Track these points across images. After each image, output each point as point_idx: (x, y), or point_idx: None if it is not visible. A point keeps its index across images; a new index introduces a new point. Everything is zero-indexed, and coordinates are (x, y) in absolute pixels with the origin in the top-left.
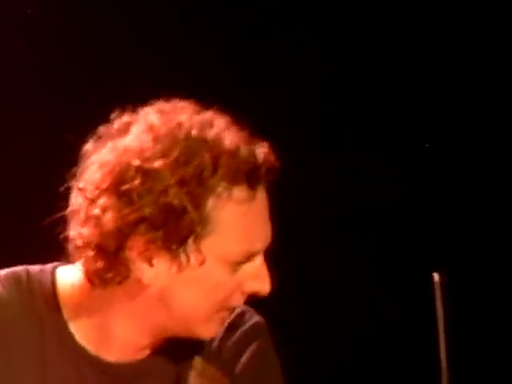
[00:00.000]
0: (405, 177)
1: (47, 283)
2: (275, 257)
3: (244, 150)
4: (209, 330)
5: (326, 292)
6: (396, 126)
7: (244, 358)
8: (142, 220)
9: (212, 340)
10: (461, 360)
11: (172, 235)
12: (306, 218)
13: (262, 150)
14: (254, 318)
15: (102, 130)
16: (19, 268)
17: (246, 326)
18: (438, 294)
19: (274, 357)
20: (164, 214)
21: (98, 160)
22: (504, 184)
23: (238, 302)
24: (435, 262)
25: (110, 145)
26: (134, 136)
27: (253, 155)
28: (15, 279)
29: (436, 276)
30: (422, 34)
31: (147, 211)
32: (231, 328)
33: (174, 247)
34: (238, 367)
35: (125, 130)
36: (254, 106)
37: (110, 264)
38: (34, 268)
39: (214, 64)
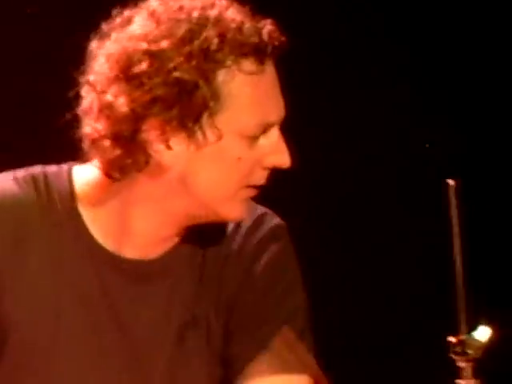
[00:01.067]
0: (421, 82)
1: (64, 182)
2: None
3: (248, 25)
4: (235, 209)
5: (342, 196)
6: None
7: (264, 258)
8: (155, 100)
9: (233, 237)
10: (475, 266)
11: (186, 112)
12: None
13: (266, 26)
14: (275, 220)
15: (104, 26)
16: (36, 168)
17: (267, 227)
18: (452, 200)
19: (294, 258)
20: (175, 91)
21: (104, 52)
22: None
23: (260, 178)
24: (450, 169)
25: (114, 36)
26: (136, 24)
27: (258, 29)
28: (32, 179)
29: (451, 182)
30: (422, 34)
31: (159, 91)
32: (252, 229)
33: (189, 125)
34: (258, 267)
35: (127, 21)
36: None
37: (128, 150)
38: (51, 167)
39: None
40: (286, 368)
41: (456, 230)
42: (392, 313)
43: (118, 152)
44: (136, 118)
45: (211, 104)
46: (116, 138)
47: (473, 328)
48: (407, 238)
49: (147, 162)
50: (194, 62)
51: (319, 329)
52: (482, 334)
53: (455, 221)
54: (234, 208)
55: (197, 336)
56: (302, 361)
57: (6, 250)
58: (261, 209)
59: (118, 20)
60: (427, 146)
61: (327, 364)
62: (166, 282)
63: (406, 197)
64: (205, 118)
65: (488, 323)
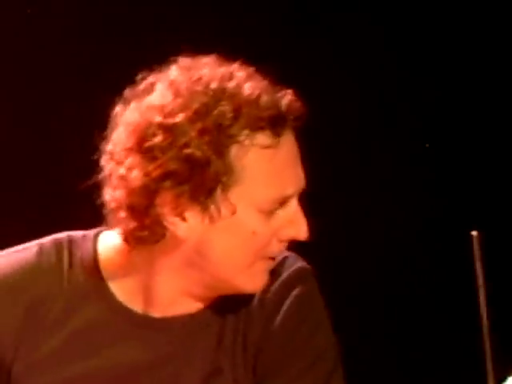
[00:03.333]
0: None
1: (89, 249)
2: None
3: (265, 97)
4: (252, 282)
5: (366, 249)
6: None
7: (287, 302)
8: (167, 175)
9: (255, 293)
10: (501, 320)
11: (199, 187)
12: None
13: (285, 97)
14: (297, 264)
15: (128, 92)
16: (62, 235)
17: (289, 271)
18: (476, 253)
19: (319, 300)
20: (188, 166)
21: (124, 121)
22: None
23: (277, 250)
24: (474, 221)
25: (134, 105)
26: (156, 94)
27: (274, 101)
28: (56, 246)
29: (475, 234)
30: (423, 34)
31: (171, 166)
32: (273, 276)
33: (202, 199)
34: (281, 312)
35: (149, 89)
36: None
37: (142, 222)
38: (77, 234)
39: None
40: None
41: (481, 281)
42: (421, 366)
43: (133, 224)
44: (149, 192)
45: (224, 179)
46: (131, 210)
47: (501, 380)
48: (433, 291)
49: (163, 234)
50: (206, 138)
51: None
52: None
53: (480, 272)
54: (251, 280)
55: (223, 382)
56: None
57: (20, 321)
58: (284, 252)
59: (141, 86)
60: (427, 145)
61: None
62: (192, 338)
63: (431, 249)
64: (218, 193)
65: None
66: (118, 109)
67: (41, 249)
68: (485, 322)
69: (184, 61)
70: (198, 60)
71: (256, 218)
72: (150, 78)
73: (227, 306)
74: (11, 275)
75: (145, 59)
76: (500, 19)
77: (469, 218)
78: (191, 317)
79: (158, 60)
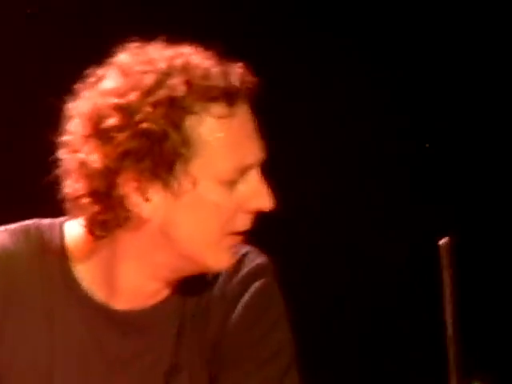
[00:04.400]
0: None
1: (56, 236)
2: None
3: (216, 70)
4: (220, 259)
5: (334, 255)
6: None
7: (245, 298)
8: (126, 153)
9: (215, 282)
10: (467, 327)
11: (158, 162)
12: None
13: (235, 69)
14: (259, 259)
15: (78, 87)
16: (29, 221)
17: (250, 266)
18: (444, 260)
19: (278, 295)
20: (145, 142)
21: (78, 111)
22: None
23: (243, 223)
24: (442, 228)
25: (86, 94)
26: (107, 80)
27: (225, 73)
28: (24, 232)
29: (442, 243)
30: (423, 35)
31: (129, 144)
32: (235, 268)
33: (163, 174)
34: (239, 307)
35: (99, 79)
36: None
37: (106, 205)
38: (44, 221)
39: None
40: None
41: (448, 291)
42: (386, 371)
43: (96, 208)
44: (110, 173)
45: (183, 151)
46: (94, 195)
47: None
48: (400, 300)
49: (127, 217)
50: (160, 111)
51: None
52: None
53: (447, 282)
54: (220, 257)
55: (181, 380)
56: None
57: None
58: (244, 248)
59: (91, 78)
60: (427, 145)
61: None
62: (152, 332)
63: (399, 256)
64: (178, 166)
65: None
66: (70, 104)
67: (9, 234)
68: (450, 333)
69: (132, 46)
70: (146, 44)
71: (218, 191)
72: (99, 71)
73: (187, 298)
74: None
75: (91, 57)
76: (500, 19)
77: (438, 225)
78: (153, 309)
79: (103, 56)
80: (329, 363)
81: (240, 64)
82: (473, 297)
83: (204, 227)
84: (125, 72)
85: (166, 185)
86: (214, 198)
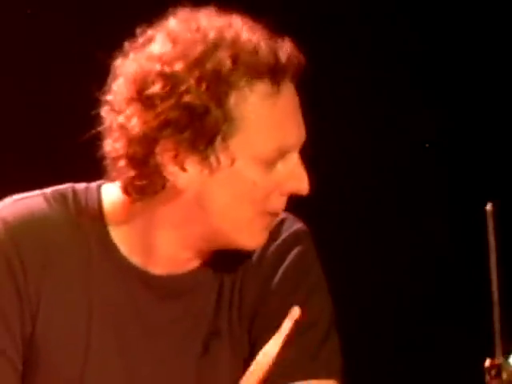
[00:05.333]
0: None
1: (93, 200)
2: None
3: (264, 46)
4: (252, 238)
5: (376, 225)
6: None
7: (284, 264)
8: (167, 123)
9: (253, 251)
10: None
11: (198, 136)
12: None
13: (284, 46)
14: (295, 225)
15: (127, 45)
16: (65, 186)
17: (286, 233)
18: (490, 224)
19: (316, 262)
20: (187, 114)
21: (124, 72)
22: None
23: (278, 204)
24: (489, 192)
25: (133, 56)
26: (155, 44)
27: (273, 50)
28: (61, 196)
29: (489, 206)
30: (423, 35)
31: (171, 114)
32: (271, 237)
33: (201, 148)
34: (279, 273)
35: (149, 40)
36: None
37: (142, 171)
38: (80, 185)
39: None
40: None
41: (493, 255)
42: (429, 336)
43: (132, 173)
44: (148, 141)
45: (224, 127)
46: (131, 159)
47: (509, 352)
48: (446, 262)
49: (163, 185)
50: (205, 86)
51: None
52: None
53: (492, 246)
54: (252, 236)
55: (221, 345)
56: (327, 364)
57: (37, 272)
58: (282, 214)
59: (141, 39)
60: (427, 145)
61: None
62: (190, 298)
63: (445, 221)
64: (218, 142)
65: None
66: (118, 61)
67: (45, 198)
68: (495, 295)
69: (182, 13)
70: (197, 12)
71: (256, 169)
72: (149, 32)
73: (225, 265)
74: (25, 222)
75: (144, 15)
76: (500, 19)
77: (483, 191)
78: (190, 275)
79: (158, 15)
80: (373, 321)
81: (290, 40)
82: None
83: (238, 204)
84: (173, 38)
85: (204, 158)
86: (251, 175)
